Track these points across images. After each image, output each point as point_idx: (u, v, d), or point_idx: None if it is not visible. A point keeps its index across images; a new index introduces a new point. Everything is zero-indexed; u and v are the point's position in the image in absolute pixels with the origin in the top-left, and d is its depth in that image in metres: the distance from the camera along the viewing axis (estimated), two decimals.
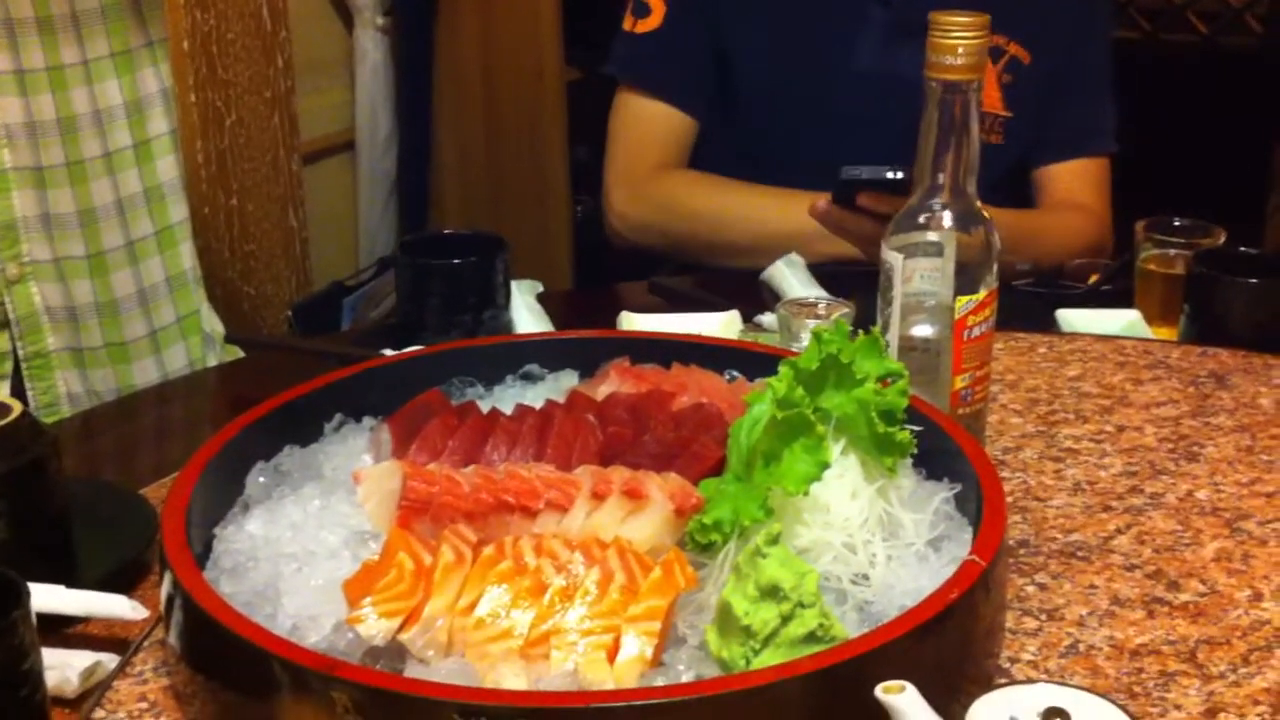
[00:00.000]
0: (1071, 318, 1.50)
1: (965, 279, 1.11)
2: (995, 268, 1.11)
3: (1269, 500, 1.14)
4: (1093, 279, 1.64)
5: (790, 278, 1.57)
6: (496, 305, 1.43)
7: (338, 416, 1.11)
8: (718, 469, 0.97)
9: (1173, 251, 1.51)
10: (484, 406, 1.11)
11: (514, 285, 1.46)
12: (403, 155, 3.07)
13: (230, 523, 0.98)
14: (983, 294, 1.11)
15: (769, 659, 0.78)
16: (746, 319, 1.46)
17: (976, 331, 1.11)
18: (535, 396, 1.15)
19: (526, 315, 1.47)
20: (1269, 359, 1.39)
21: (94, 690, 0.92)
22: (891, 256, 1.12)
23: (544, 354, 1.20)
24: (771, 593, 0.78)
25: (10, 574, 0.83)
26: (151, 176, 1.58)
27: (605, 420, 1.04)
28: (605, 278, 2.47)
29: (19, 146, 1.45)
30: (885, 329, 1.13)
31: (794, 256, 1.61)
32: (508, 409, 1.09)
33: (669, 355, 1.17)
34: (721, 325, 1.41)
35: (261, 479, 1.02)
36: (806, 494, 0.87)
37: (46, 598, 0.92)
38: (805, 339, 1.25)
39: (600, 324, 1.43)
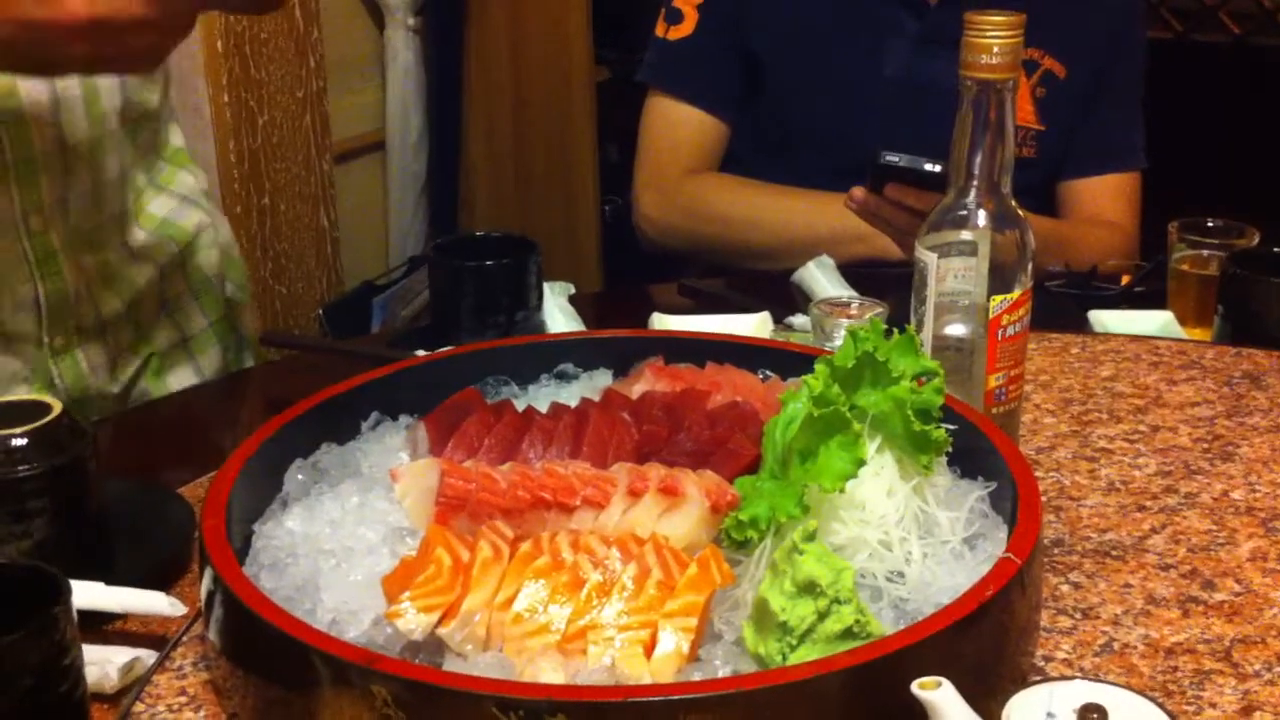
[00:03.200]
0: (1104, 318, 1.50)
1: (1000, 279, 1.11)
2: (1030, 268, 1.11)
3: None
4: (1125, 280, 1.64)
5: (821, 279, 1.57)
6: (529, 307, 1.44)
7: (374, 415, 1.12)
8: (753, 467, 0.97)
9: (1206, 252, 1.51)
10: (519, 405, 1.11)
11: (546, 287, 1.48)
12: (433, 155, 3.08)
13: (269, 519, 0.99)
14: (1017, 293, 1.11)
15: (805, 655, 0.78)
16: (777, 320, 1.46)
17: (1011, 331, 1.11)
18: (570, 395, 1.15)
19: (559, 316, 1.48)
20: None
21: (133, 686, 0.93)
22: (926, 256, 1.12)
23: (578, 353, 1.20)
24: (808, 589, 0.79)
25: (52, 570, 0.84)
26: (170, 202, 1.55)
27: (641, 418, 1.04)
28: (633, 278, 2.48)
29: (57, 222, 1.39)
30: (919, 328, 1.13)
31: (825, 258, 1.61)
32: (543, 408, 1.10)
33: (703, 354, 1.17)
34: (753, 327, 1.42)
35: (300, 476, 1.03)
36: (843, 491, 0.87)
37: (86, 594, 0.93)
38: (838, 339, 1.26)
39: (631, 325, 1.43)
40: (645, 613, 0.82)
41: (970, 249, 1.12)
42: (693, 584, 0.83)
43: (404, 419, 1.12)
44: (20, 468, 0.97)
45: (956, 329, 1.14)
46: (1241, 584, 1.02)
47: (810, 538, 0.80)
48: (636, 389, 1.12)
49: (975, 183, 1.10)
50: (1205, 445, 1.23)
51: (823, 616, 0.79)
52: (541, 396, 1.16)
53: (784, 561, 0.81)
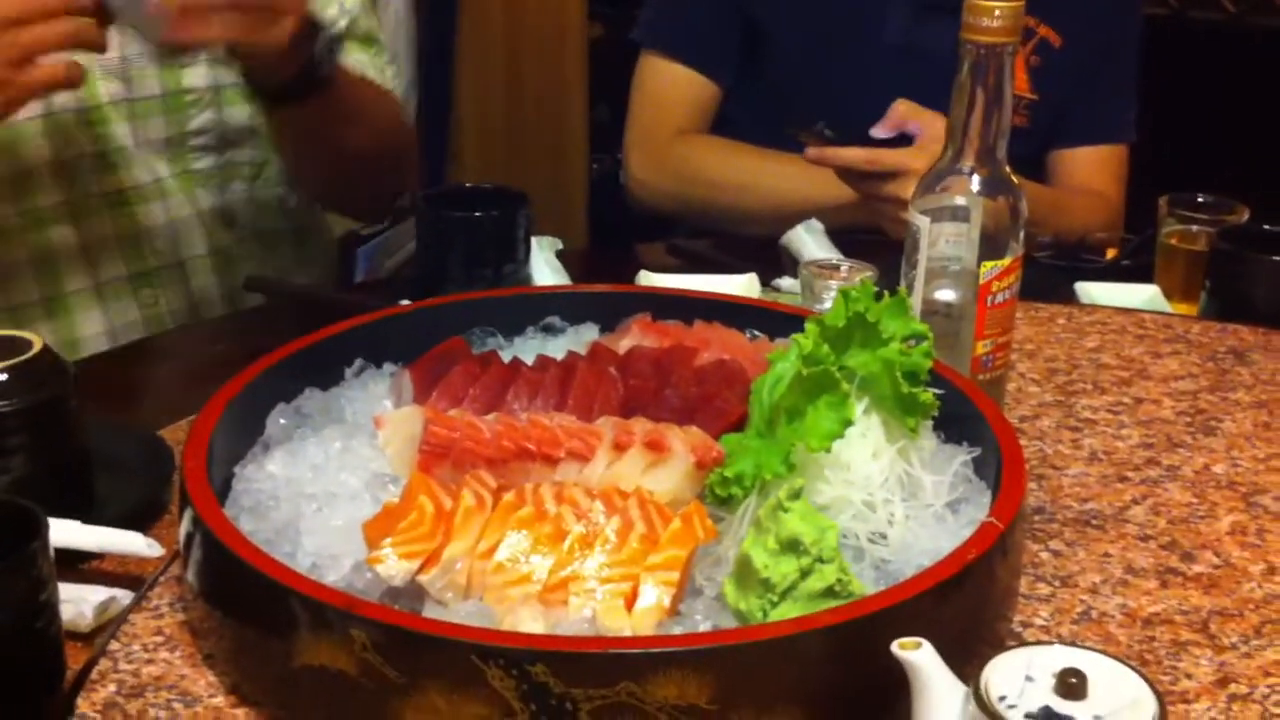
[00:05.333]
0: (1091, 290, 1.50)
1: (991, 245, 1.10)
2: (1022, 235, 1.11)
3: None
4: (1112, 253, 1.64)
5: (810, 243, 1.57)
6: (516, 260, 1.43)
7: (358, 361, 1.11)
8: (739, 425, 0.97)
9: (1195, 227, 1.51)
10: (505, 357, 1.11)
11: (534, 241, 1.46)
12: (422, 106, 3.05)
13: (250, 462, 0.99)
14: (1008, 260, 1.10)
15: (787, 612, 0.78)
16: (764, 282, 1.46)
17: (1000, 298, 1.11)
18: (556, 348, 1.15)
19: (547, 271, 1.48)
20: None
21: (108, 625, 0.92)
22: (918, 219, 1.11)
23: (565, 306, 1.19)
24: (792, 546, 0.78)
25: (29, 505, 0.83)
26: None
27: (627, 373, 1.04)
28: (620, 237, 2.46)
29: None
30: (909, 292, 1.13)
31: (814, 222, 1.61)
32: (528, 360, 1.09)
33: (691, 312, 1.17)
34: (740, 288, 1.41)
35: (282, 420, 1.02)
36: (829, 451, 0.87)
37: (63, 532, 0.92)
38: (827, 300, 1.25)
39: (618, 283, 1.42)
40: (627, 566, 0.82)
41: (963, 214, 1.11)
42: (675, 539, 0.83)
43: (388, 367, 1.12)
44: (0, 403, 0.96)
45: (945, 294, 1.14)
46: (1220, 557, 1.03)
47: (796, 496, 0.80)
48: (623, 344, 1.12)
49: (971, 147, 1.10)
50: (1188, 419, 1.23)
51: (805, 574, 0.79)
52: (527, 349, 1.16)
53: (768, 519, 0.80)
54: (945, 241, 1.12)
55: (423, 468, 0.93)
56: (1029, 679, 0.72)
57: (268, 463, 0.98)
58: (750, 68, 1.88)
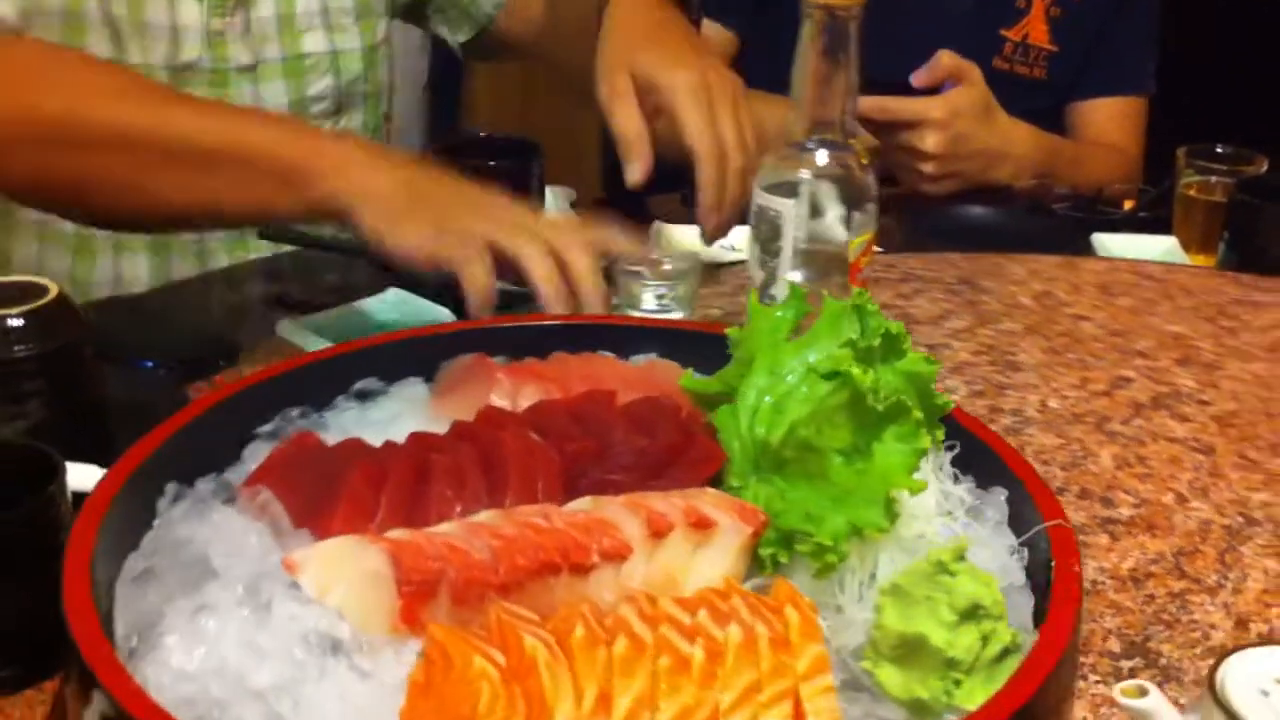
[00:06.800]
0: (1108, 242, 1.49)
1: (847, 221, 1.04)
2: (872, 209, 1.05)
3: (1111, 399, 1.17)
4: (1128, 205, 1.63)
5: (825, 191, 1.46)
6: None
7: (171, 487, 0.86)
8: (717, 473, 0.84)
9: (1214, 178, 1.52)
10: (327, 438, 0.90)
11: (548, 191, 1.42)
12: (435, 54, 2.85)
13: (139, 657, 0.73)
14: (869, 235, 1.04)
15: (974, 689, 0.69)
16: None
17: (867, 273, 1.05)
18: (384, 416, 0.96)
19: None
20: (996, 258, 1.44)
21: None
22: (779, 204, 1.02)
23: (376, 364, 0.99)
24: (970, 614, 0.69)
25: (46, 449, 0.85)
26: None
27: (554, 436, 0.87)
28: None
29: None
30: (769, 283, 1.04)
31: None
32: (344, 436, 0.90)
33: (517, 343, 1.01)
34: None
35: (151, 595, 0.77)
36: (924, 488, 0.77)
37: (81, 476, 0.90)
38: (648, 300, 1.14)
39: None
40: (773, 681, 0.68)
41: (810, 189, 1.04)
42: (806, 633, 0.70)
43: (203, 485, 0.87)
44: (16, 348, 0.96)
45: (792, 275, 1.06)
46: (1133, 495, 1.04)
47: (961, 556, 0.70)
48: (495, 399, 0.94)
49: (818, 119, 1.02)
50: (988, 358, 1.24)
51: (985, 640, 0.69)
52: (347, 424, 0.95)
53: (920, 586, 0.70)
54: (795, 219, 1.04)
55: (408, 615, 0.73)
56: (1264, 693, 0.68)
57: (169, 657, 0.72)
58: (763, 20, 1.77)
